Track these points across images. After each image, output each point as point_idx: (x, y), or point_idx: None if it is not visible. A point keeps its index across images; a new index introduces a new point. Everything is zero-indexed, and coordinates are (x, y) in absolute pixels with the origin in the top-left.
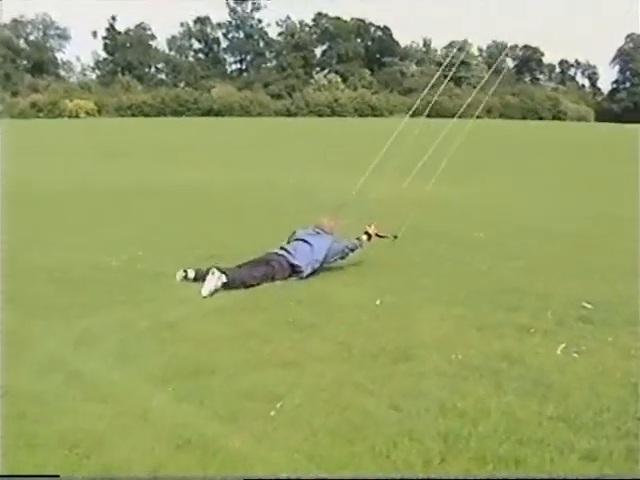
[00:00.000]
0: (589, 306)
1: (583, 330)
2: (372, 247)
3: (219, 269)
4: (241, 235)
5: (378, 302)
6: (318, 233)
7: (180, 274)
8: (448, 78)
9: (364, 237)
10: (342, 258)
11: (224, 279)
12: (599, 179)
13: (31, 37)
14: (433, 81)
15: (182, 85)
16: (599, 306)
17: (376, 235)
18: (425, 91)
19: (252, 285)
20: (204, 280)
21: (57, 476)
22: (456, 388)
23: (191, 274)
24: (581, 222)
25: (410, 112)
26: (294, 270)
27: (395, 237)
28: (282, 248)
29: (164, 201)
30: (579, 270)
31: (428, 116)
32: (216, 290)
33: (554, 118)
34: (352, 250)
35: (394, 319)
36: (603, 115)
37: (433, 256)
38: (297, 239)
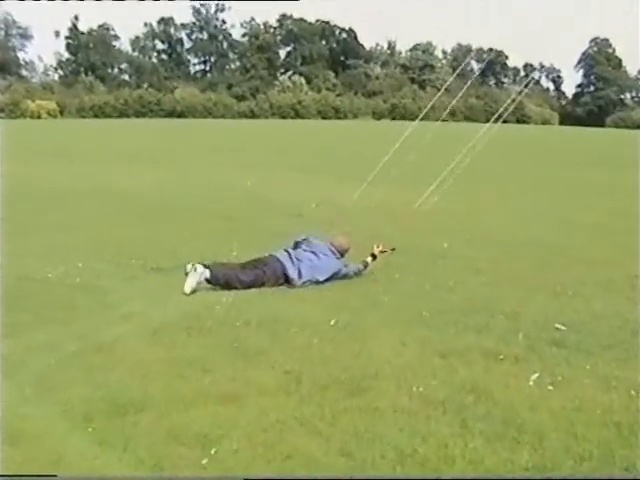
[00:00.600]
0: (562, 327)
1: (557, 356)
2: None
3: (204, 265)
4: (192, 242)
5: (333, 322)
6: (332, 252)
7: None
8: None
9: (369, 259)
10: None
11: (207, 275)
12: (568, 184)
13: None
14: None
15: (145, 86)
16: (573, 327)
17: (380, 252)
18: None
19: (236, 288)
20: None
21: (54, 476)
22: (417, 429)
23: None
24: (552, 230)
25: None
26: (287, 280)
27: (393, 249)
28: (287, 253)
29: (114, 205)
30: (551, 285)
31: (393, 119)
32: (198, 286)
33: (518, 121)
34: (355, 274)
35: (350, 343)
36: (567, 118)
37: (395, 269)
38: (307, 249)
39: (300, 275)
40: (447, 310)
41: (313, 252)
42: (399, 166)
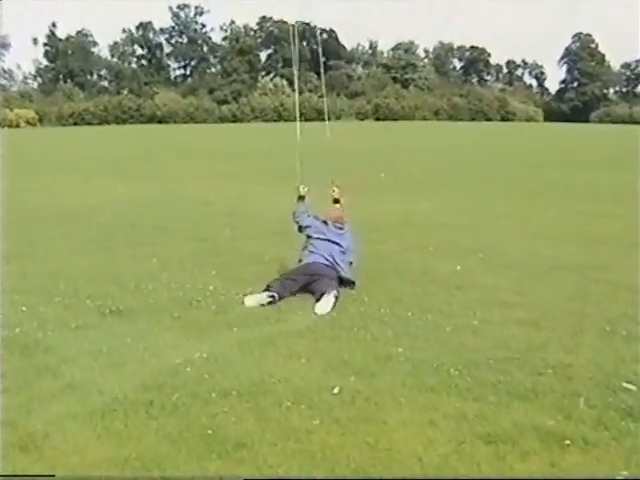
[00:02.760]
0: (632, 387)
1: (637, 434)
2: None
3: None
4: (160, 275)
5: (336, 390)
6: (339, 229)
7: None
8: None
9: (337, 206)
10: None
11: (269, 300)
12: (572, 188)
13: None
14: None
15: (125, 92)
16: None
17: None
18: None
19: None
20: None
21: (53, 476)
22: None
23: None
24: (572, 245)
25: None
26: (341, 283)
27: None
28: (327, 260)
29: (77, 226)
30: (596, 322)
31: (376, 119)
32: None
33: (502, 119)
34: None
35: (361, 425)
36: (551, 115)
37: (405, 305)
38: (324, 239)
39: (342, 269)
40: (478, 363)
41: (331, 241)
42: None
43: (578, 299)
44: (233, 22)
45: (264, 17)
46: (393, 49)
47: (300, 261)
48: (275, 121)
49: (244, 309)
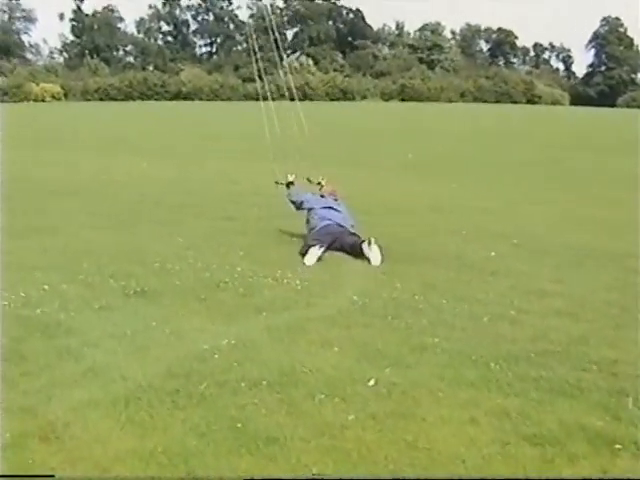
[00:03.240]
0: None
1: None
2: (357, 279)
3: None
4: (186, 253)
5: (372, 383)
6: (336, 201)
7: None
8: None
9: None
10: None
11: (322, 250)
12: (596, 173)
13: None
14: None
15: (150, 68)
16: None
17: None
18: None
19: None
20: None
21: (52, 476)
22: None
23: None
24: (607, 231)
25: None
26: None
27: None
28: (336, 222)
29: (102, 202)
30: (634, 313)
31: (402, 100)
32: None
33: (528, 102)
34: None
35: (399, 422)
36: (578, 99)
37: (439, 291)
38: (328, 207)
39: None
40: (518, 357)
41: (332, 208)
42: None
43: (616, 289)
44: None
45: None
46: (420, 30)
47: (312, 230)
48: (300, 100)
49: (272, 292)
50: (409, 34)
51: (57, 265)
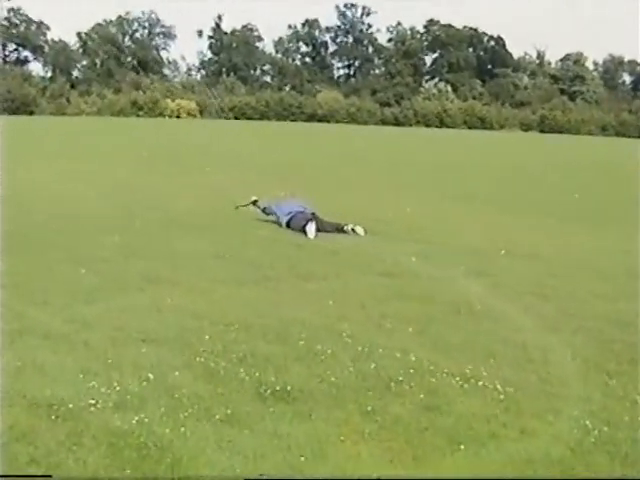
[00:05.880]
0: None
1: None
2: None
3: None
4: (337, 328)
5: None
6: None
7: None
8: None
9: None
10: None
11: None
12: None
13: (136, 35)
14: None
15: (287, 89)
16: None
17: None
18: None
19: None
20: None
21: (49, 476)
22: None
23: None
24: None
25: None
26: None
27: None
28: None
29: (229, 238)
30: None
31: (541, 131)
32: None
33: None
34: None
35: None
36: None
37: None
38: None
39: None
40: None
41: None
42: None
43: None
44: (399, 24)
45: (431, 20)
46: (562, 60)
47: (290, 219)
48: (437, 127)
49: (465, 405)
50: (550, 64)
51: (171, 336)
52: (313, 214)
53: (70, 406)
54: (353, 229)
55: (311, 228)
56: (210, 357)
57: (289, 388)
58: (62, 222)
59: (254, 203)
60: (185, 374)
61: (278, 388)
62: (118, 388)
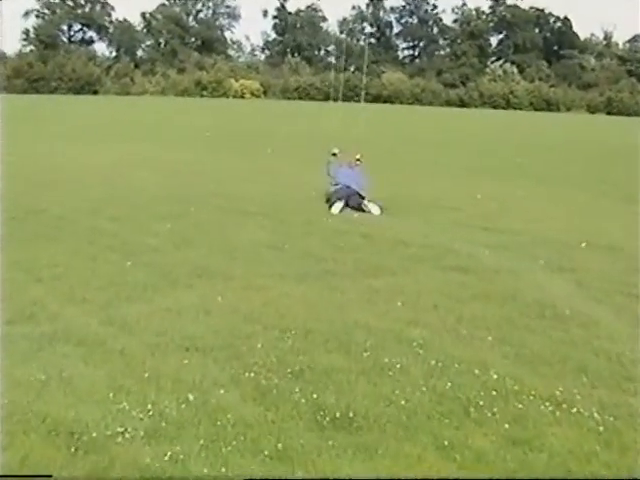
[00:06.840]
0: None
1: None
2: None
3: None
4: (409, 335)
5: None
6: (351, 169)
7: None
8: None
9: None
10: None
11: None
12: None
13: (201, 15)
14: None
15: (352, 69)
16: None
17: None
18: None
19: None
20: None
21: (50, 476)
22: None
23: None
24: None
25: None
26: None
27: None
28: (347, 187)
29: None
30: None
31: (608, 113)
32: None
33: None
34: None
35: None
36: None
37: None
38: (344, 174)
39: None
40: None
41: (347, 174)
42: None
43: None
44: (465, 4)
45: (497, 1)
46: (629, 41)
47: (333, 191)
48: (503, 108)
49: (560, 439)
50: (617, 45)
51: (218, 344)
52: (357, 193)
53: (94, 435)
54: (368, 207)
55: (338, 206)
56: (262, 372)
57: (351, 415)
58: (115, 208)
59: (334, 155)
60: (231, 393)
61: (339, 415)
62: (152, 412)
